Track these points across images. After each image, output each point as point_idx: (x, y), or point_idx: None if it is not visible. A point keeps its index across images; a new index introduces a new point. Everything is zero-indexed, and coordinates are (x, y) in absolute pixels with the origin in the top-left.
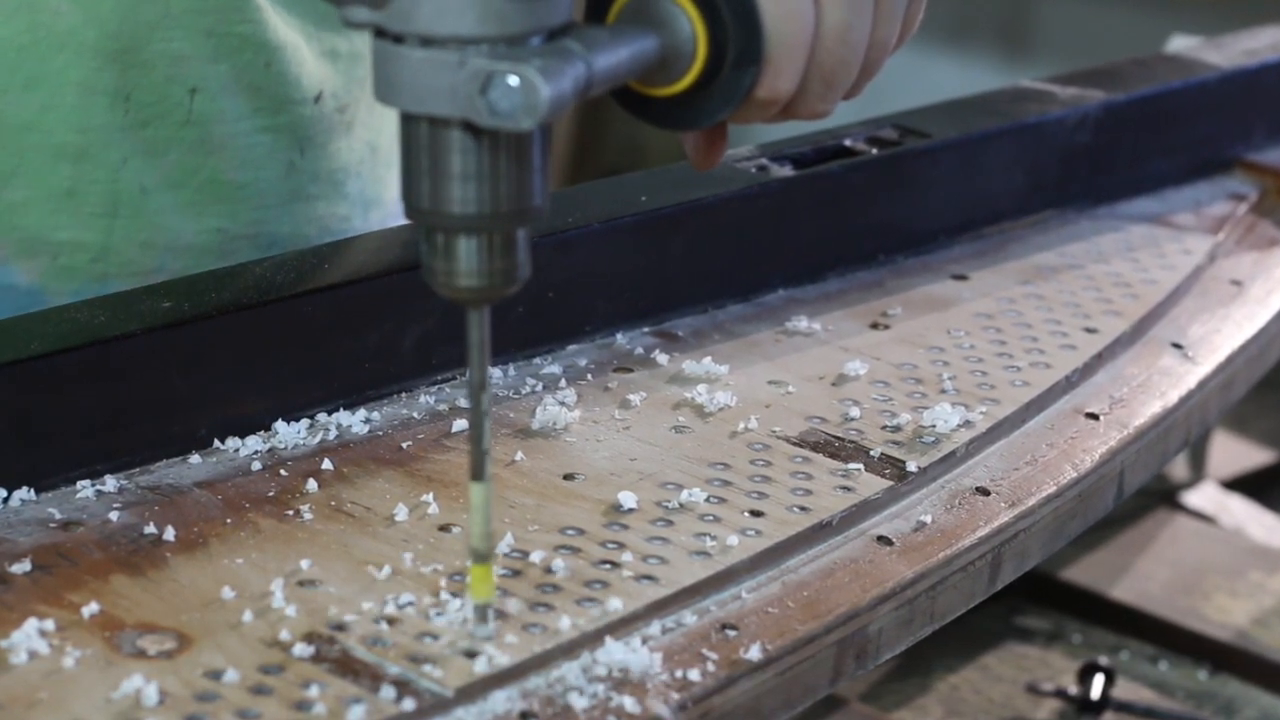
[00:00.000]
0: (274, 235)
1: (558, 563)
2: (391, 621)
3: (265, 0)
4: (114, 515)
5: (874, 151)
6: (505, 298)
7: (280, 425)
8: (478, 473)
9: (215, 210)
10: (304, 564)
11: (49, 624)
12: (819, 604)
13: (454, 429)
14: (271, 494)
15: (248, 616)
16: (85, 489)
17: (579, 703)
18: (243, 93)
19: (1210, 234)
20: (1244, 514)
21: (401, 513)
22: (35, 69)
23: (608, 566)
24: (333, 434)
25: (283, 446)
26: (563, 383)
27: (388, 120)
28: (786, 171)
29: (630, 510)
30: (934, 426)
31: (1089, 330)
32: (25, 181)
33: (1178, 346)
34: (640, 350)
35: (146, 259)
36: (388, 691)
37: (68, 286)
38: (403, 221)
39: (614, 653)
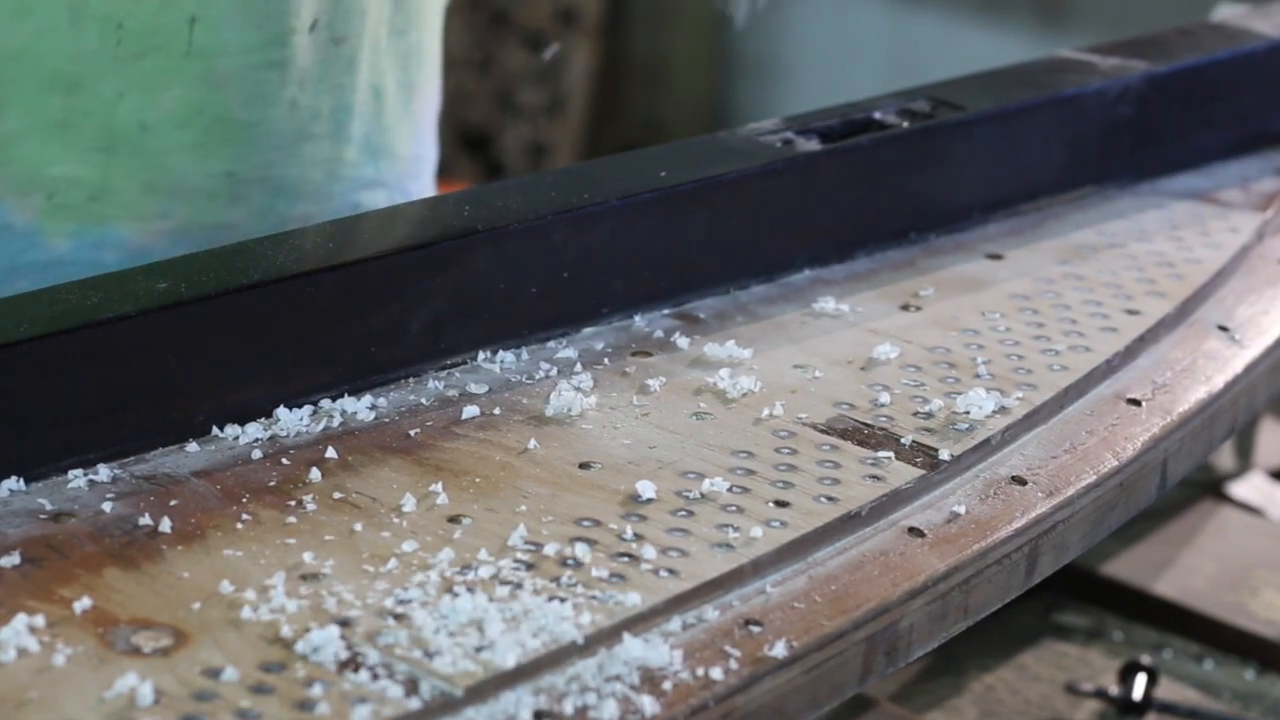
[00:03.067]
0: (282, 179)
1: (573, 555)
2: (398, 617)
3: None
4: (107, 506)
5: (905, 125)
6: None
7: (282, 412)
8: None
9: (223, 152)
10: (307, 557)
11: (39, 620)
12: (847, 599)
13: (464, 415)
14: (273, 484)
15: (247, 612)
16: (77, 479)
17: (595, 703)
18: (245, 23)
19: (1258, 211)
20: None
21: (409, 503)
22: None
23: (626, 559)
24: (337, 421)
25: (284, 434)
26: (578, 367)
27: (393, 64)
28: (813, 145)
29: (649, 500)
30: (968, 413)
31: (1131, 312)
32: (17, 112)
33: (1224, 329)
34: (660, 333)
35: (149, 202)
36: (394, 690)
37: (65, 227)
38: (413, 184)
39: (632, 650)
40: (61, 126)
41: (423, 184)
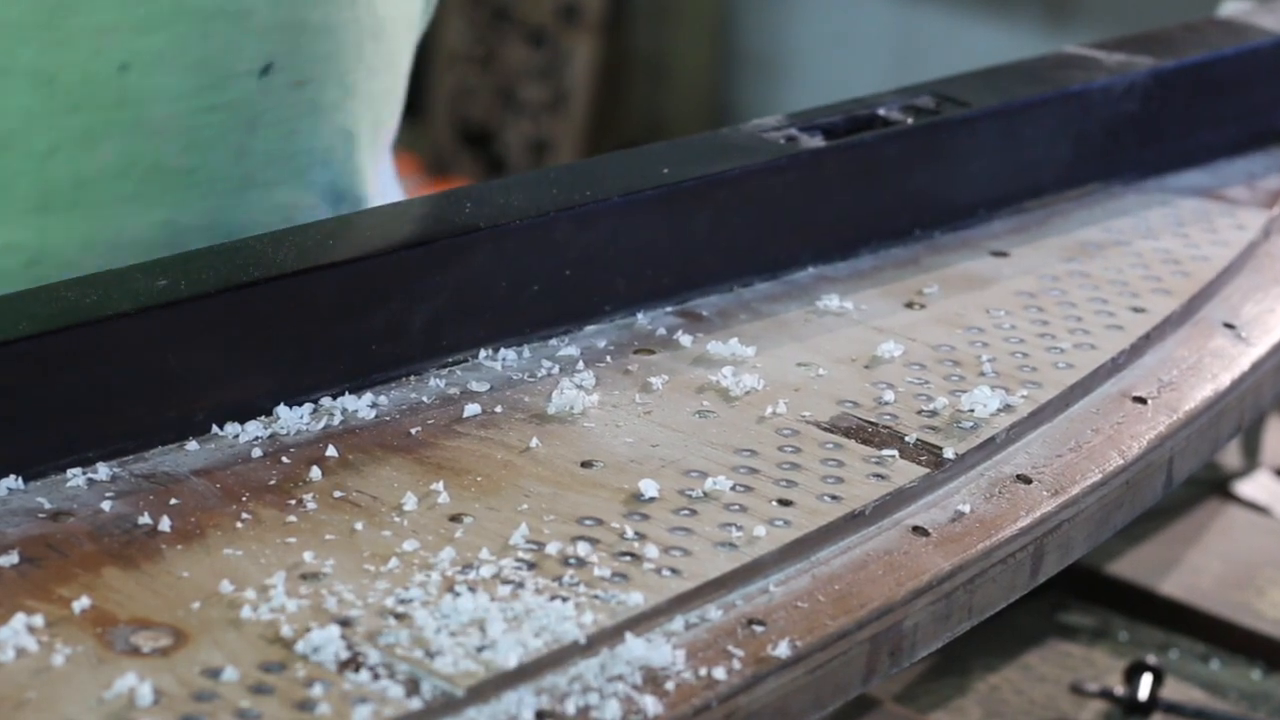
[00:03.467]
0: (229, 225)
1: (575, 555)
2: (399, 617)
3: None
4: (106, 505)
5: (910, 121)
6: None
7: (282, 410)
8: None
9: (161, 200)
10: (307, 556)
11: (37, 619)
12: (851, 598)
13: (465, 413)
14: (273, 482)
15: (247, 612)
16: (76, 477)
17: (597, 703)
18: (180, 68)
19: (1265, 208)
20: None
21: (410, 502)
22: None
23: (628, 558)
24: (337, 419)
25: (284, 432)
26: (580, 365)
27: (367, 106)
28: (817, 142)
29: (651, 499)
30: (973, 411)
31: (1136, 310)
32: None
33: (1230, 327)
34: (662, 331)
35: (88, 259)
36: (395, 691)
37: None
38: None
39: (634, 650)
40: None
41: None
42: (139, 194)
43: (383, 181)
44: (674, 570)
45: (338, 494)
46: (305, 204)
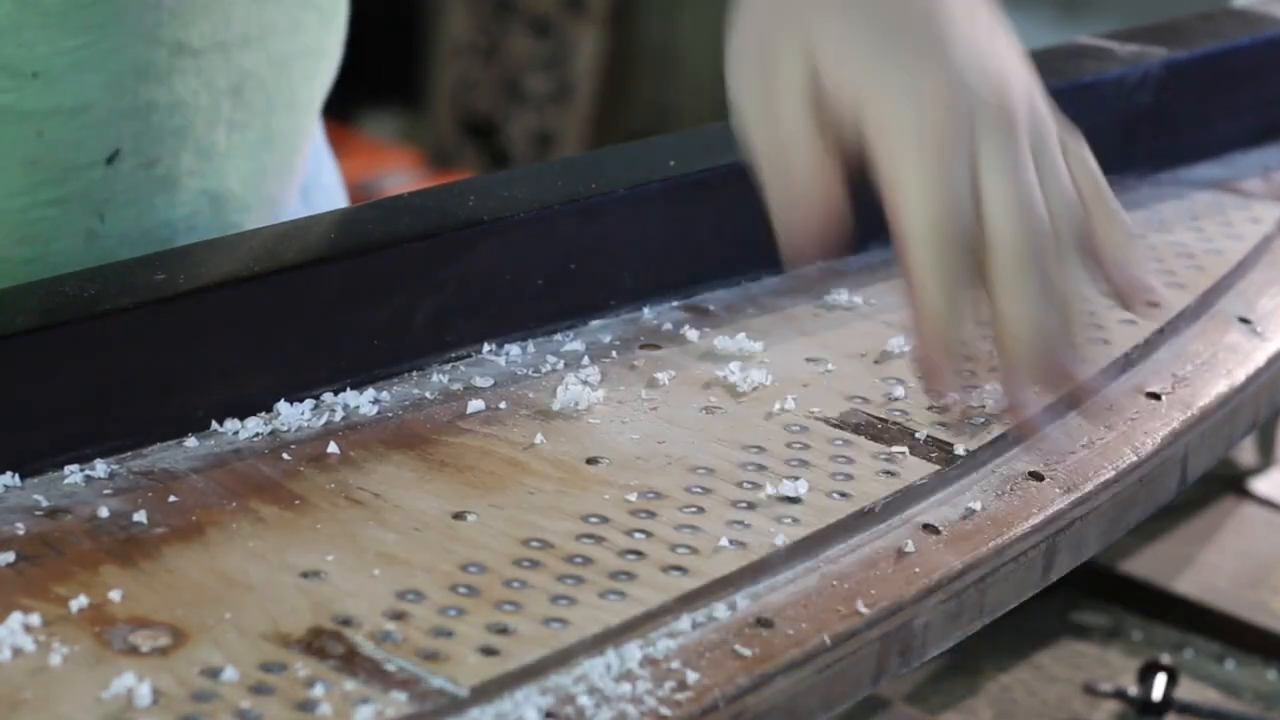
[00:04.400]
0: None
1: (580, 552)
2: (402, 616)
3: (40, 64)
4: (104, 502)
5: None
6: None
7: (283, 406)
8: None
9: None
10: (308, 554)
11: (34, 619)
12: (860, 597)
13: (469, 409)
14: (274, 479)
15: (247, 611)
16: (73, 474)
17: (603, 703)
18: (14, 166)
19: None
20: None
21: (413, 499)
22: None
23: (634, 556)
24: (339, 415)
25: (285, 429)
26: (586, 360)
27: (238, 161)
28: None
29: (658, 496)
30: (984, 407)
31: (1150, 304)
32: None
33: (1245, 321)
34: (669, 325)
35: None
36: (397, 691)
37: None
38: None
39: (641, 648)
40: None
41: None
42: None
43: (283, 217)
44: (681, 569)
45: (339, 491)
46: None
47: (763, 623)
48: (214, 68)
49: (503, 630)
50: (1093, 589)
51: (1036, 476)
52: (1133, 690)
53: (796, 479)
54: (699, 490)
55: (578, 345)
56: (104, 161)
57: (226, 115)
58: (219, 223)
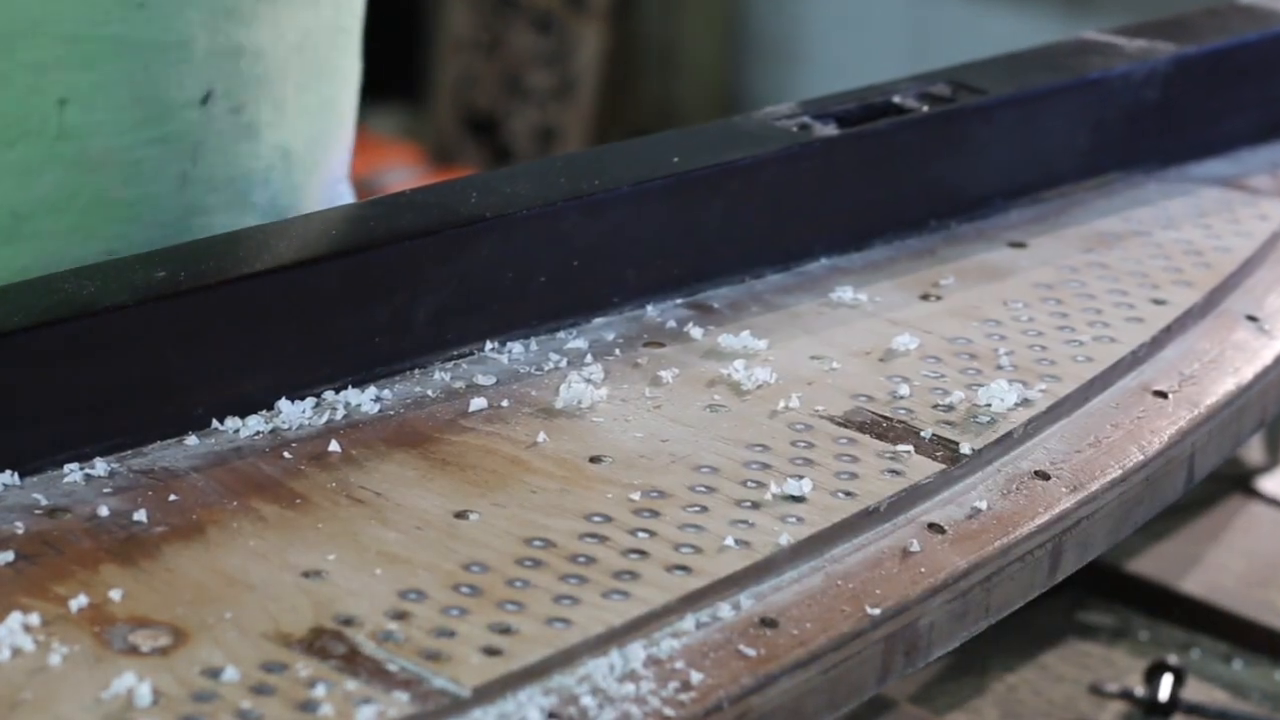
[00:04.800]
0: None
1: (583, 552)
2: (404, 615)
3: None
4: (104, 501)
5: (925, 109)
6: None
7: (284, 404)
8: None
9: (103, 232)
10: (309, 553)
11: (34, 618)
12: (865, 596)
13: (471, 408)
14: (275, 478)
15: (248, 610)
16: (73, 473)
17: (606, 703)
18: (119, 102)
19: None
20: None
21: (414, 497)
22: None
23: (637, 556)
24: (340, 413)
25: (286, 427)
26: (589, 358)
27: (302, 122)
28: (830, 130)
29: (661, 495)
30: (989, 405)
31: (1157, 302)
32: None
33: (1253, 319)
34: (672, 323)
35: None
36: (399, 691)
37: None
38: None
39: (645, 649)
40: None
41: None
42: (80, 226)
43: (331, 194)
44: (684, 568)
45: (341, 490)
46: (246, 224)
47: (767, 622)
48: (285, 20)
49: (505, 630)
50: (1099, 589)
51: (1042, 475)
52: (1139, 690)
53: (801, 478)
54: (703, 489)
55: (581, 343)
56: (199, 102)
57: (295, 72)
58: (289, 182)
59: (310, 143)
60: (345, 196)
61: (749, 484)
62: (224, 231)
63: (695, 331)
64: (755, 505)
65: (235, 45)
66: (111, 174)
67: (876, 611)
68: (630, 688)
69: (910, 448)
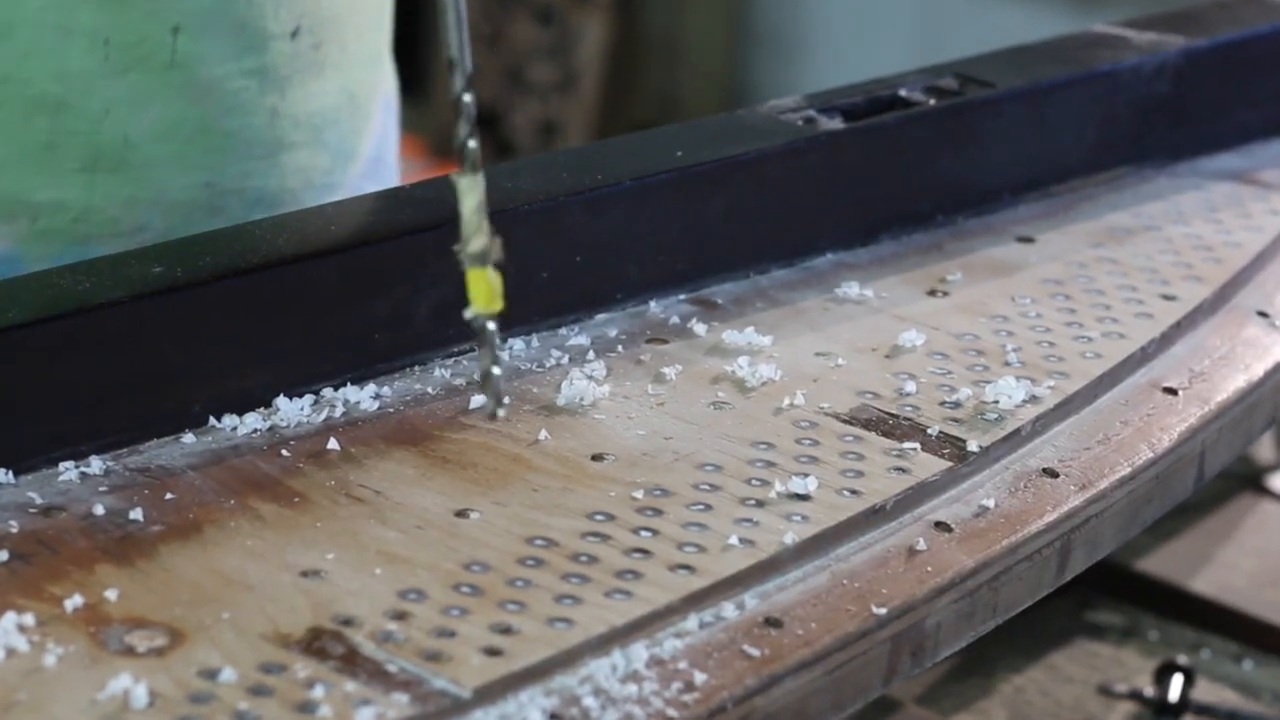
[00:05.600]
0: (261, 189)
1: (585, 551)
2: (404, 616)
3: None
4: (100, 499)
5: (932, 102)
6: None
7: (282, 401)
8: (463, 154)
9: (203, 162)
10: (308, 553)
11: (28, 618)
12: (871, 596)
13: (472, 405)
14: (272, 476)
15: (246, 610)
16: (68, 471)
17: (609, 705)
18: (226, 30)
19: None
20: None
21: (414, 496)
22: (10, 13)
23: (640, 555)
24: (339, 411)
25: (284, 424)
26: (591, 355)
27: (360, 66)
28: (836, 124)
29: (665, 493)
30: (997, 402)
31: (1167, 297)
32: (2, 138)
33: (1264, 315)
34: (676, 319)
35: (131, 217)
36: (399, 692)
37: (48, 251)
38: (370, 184)
39: (647, 649)
40: (48, 149)
41: (379, 184)
42: (182, 155)
43: (378, 145)
44: (688, 567)
45: (340, 488)
46: (322, 165)
47: (772, 622)
48: None
49: (506, 630)
50: (1108, 588)
51: (1051, 473)
52: (1149, 691)
53: (806, 476)
54: (706, 487)
55: (583, 339)
56: (290, 35)
57: (357, 14)
58: (353, 125)
59: (368, 89)
60: (390, 161)
61: (753, 482)
62: (306, 170)
63: (699, 328)
64: (760, 504)
65: None
66: (214, 104)
67: (882, 611)
68: (633, 688)
69: (917, 445)
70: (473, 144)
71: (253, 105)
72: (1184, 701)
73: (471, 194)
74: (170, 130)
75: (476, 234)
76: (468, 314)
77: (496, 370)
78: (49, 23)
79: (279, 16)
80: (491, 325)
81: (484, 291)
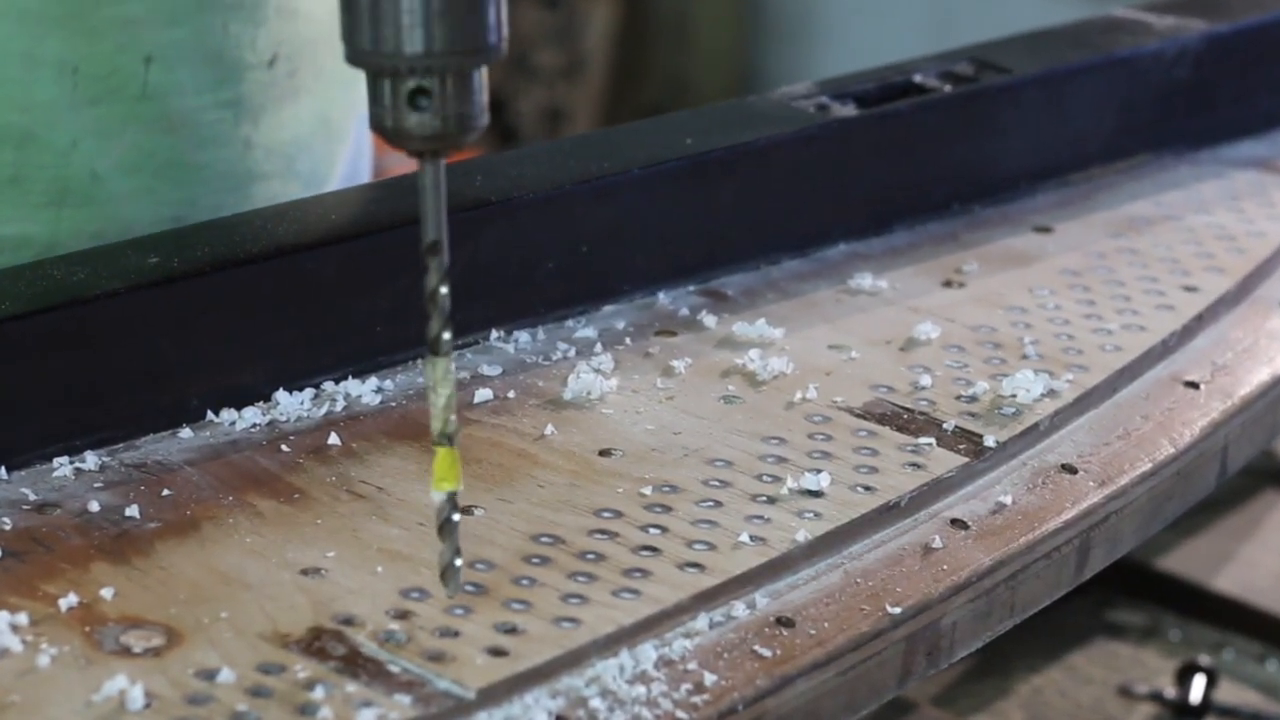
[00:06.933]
0: None
1: (593, 549)
2: (406, 615)
3: None
4: (95, 496)
5: (947, 88)
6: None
7: (281, 395)
8: (436, 346)
9: (172, 196)
10: (308, 550)
11: (22, 618)
12: (885, 595)
13: (476, 399)
14: (271, 472)
15: (245, 610)
16: (63, 467)
17: (616, 706)
18: (201, 61)
19: None
20: None
21: (417, 492)
22: None
23: (648, 553)
24: (340, 405)
25: (284, 419)
26: (598, 347)
27: (336, 87)
28: (849, 111)
29: (674, 490)
30: (1014, 396)
31: (1188, 289)
32: None
33: None
34: (685, 311)
35: None
36: (401, 693)
37: None
38: None
39: (656, 649)
40: (13, 183)
41: None
42: (151, 189)
43: (354, 164)
44: (698, 565)
45: (340, 484)
46: (292, 193)
47: (783, 622)
48: None
49: (511, 630)
50: (1128, 587)
51: (1069, 469)
52: (1170, 692)
53: (819, 471)
54: (716, 483)
55: (590, 332)
56: (267, 64)
57: (330, 40)
58: (327, 150)
59: (343, 111)
60: (364, 174)
61: (765, 478)
62: (277, 199)
63: (709, 320)
64: (771, 500)
65: (293, 8)
66: (186, 135)
67: (897, 610)
68: (641, 690)
69: (932, 440)
70: (447, 336)
71: (226, 137)
72: (1206, 703)
73: (444, 385)
74: (140, 163)
75: (446, 416)
76: (434, 495)
77: (458, 563)
78: (14, 51)
79: (256, 46)
80: (456, 516)
81: (451, 470)
